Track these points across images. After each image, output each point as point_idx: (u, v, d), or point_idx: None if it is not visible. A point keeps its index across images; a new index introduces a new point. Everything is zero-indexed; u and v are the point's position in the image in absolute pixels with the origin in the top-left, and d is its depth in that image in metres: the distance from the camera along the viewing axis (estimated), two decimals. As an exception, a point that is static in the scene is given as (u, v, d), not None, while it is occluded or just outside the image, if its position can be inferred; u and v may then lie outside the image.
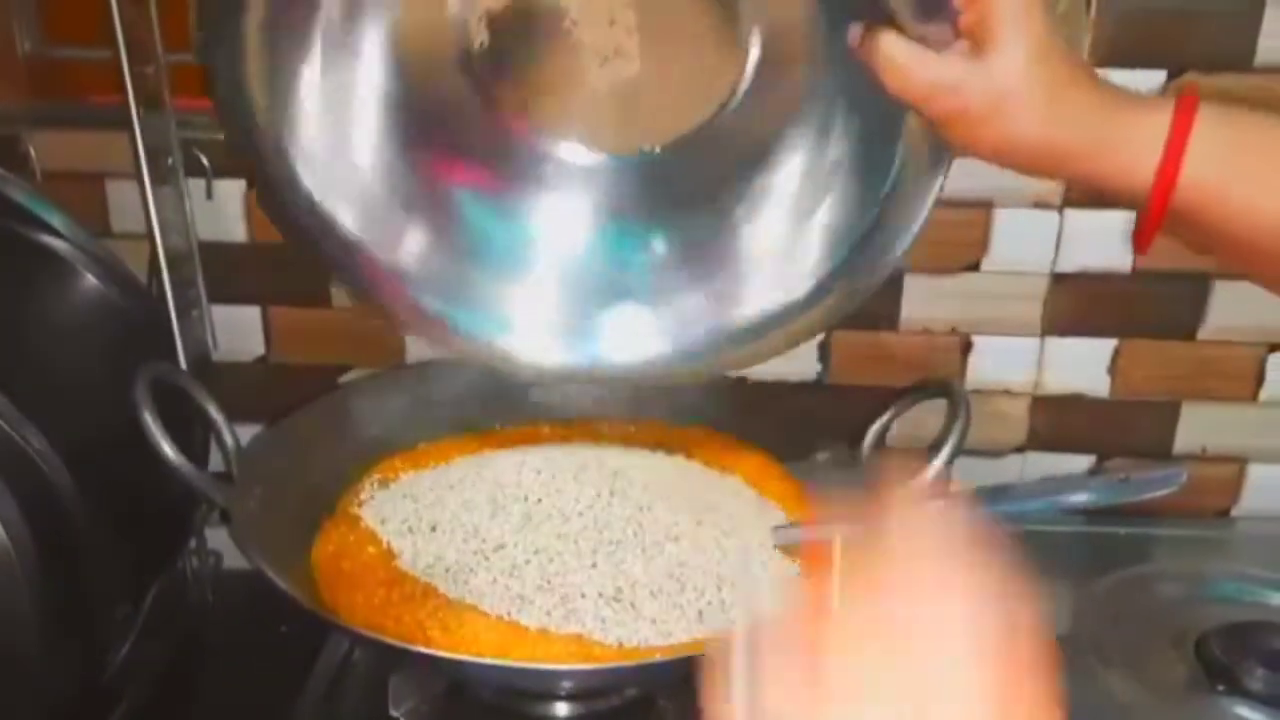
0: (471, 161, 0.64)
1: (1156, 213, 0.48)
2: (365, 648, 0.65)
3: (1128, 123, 0.49)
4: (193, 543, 0.82)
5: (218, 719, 0.74)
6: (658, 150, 0.62)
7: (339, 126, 0.61)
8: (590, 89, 0.60)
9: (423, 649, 0.53)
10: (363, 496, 0.70)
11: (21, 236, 0.67)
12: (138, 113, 0.67)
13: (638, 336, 0.67)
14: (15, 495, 0.51)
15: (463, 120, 0.61)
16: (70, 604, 0.54)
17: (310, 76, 0.60)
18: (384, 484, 0.71)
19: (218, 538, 0.85)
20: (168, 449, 0.58)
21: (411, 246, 0.64)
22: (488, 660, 0.54)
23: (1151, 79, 0.76)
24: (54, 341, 0.67)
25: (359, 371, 0.85)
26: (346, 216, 0.62)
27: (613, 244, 0.66)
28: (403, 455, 0.74)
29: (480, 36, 0.58)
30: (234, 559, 0.87)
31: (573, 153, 0.63)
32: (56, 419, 0.59)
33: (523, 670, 0.55)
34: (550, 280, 0.67)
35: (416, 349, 0.84)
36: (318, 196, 0.61)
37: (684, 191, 0.65)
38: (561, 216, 0.66)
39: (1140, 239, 0.50)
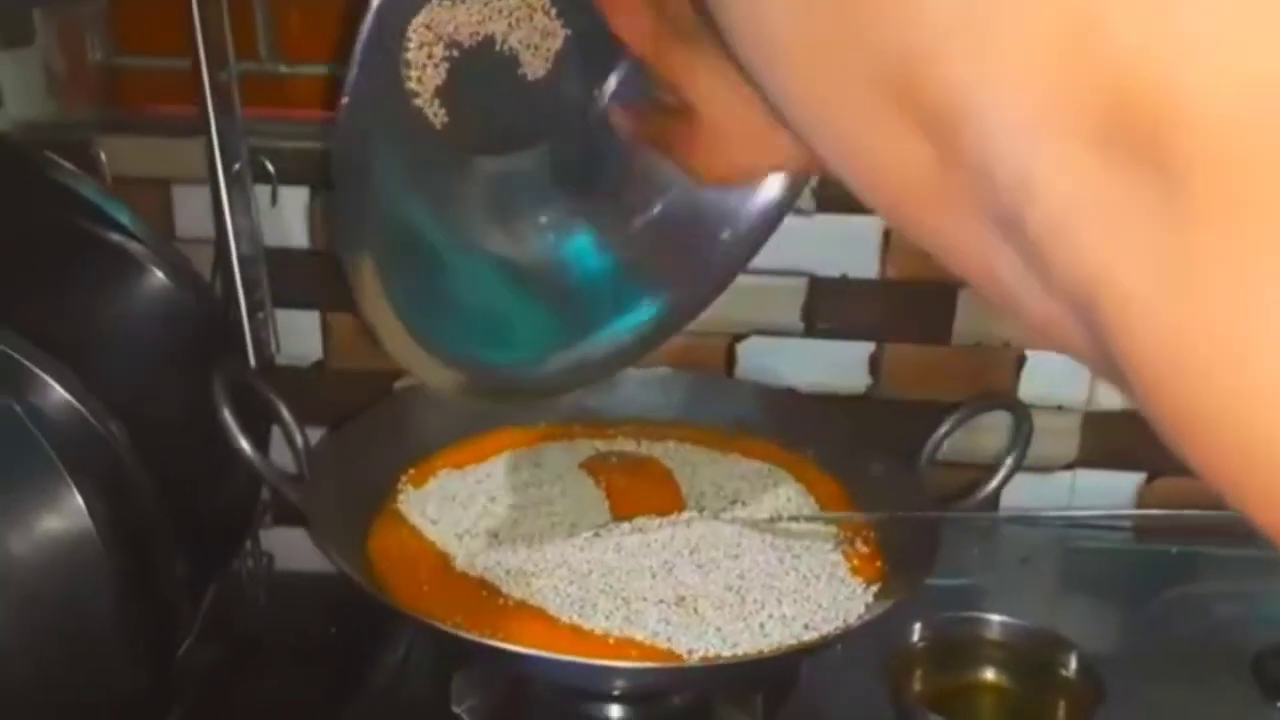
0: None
1: None
2: (437, 642, 0.65)
3: None
4: (247, 544, 0.83)
5: (275, 716, 0.75)
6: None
7: None
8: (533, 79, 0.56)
9: (500, 643, 0.54)
10: (420, 498, 0.71)
11: (93, 234, 0.68)
12: (217, 120, 0.68)
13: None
14: (101, 488, 0.52)
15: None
16: (145, 599, 0.55)
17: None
18: (441, 486, 0.72)
19: (270, 539, 0.87)
20: (245, 445, 0.59)
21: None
22: (564, 657, 0.54)
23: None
24: (125, 338, 0.68)
25: (413, 378, 0.86)
26: None
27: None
28: (459, 457, 0.75)
29: (439, 114, 0.55)
30: (285, 561, 0.88)
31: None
32: (131, 415, 0.60)
33: (600, 668, 0.56)
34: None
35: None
36: None
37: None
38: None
39: None
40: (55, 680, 0.53)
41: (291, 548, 0.88)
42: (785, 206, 0.58)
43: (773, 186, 0.58)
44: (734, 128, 0.47)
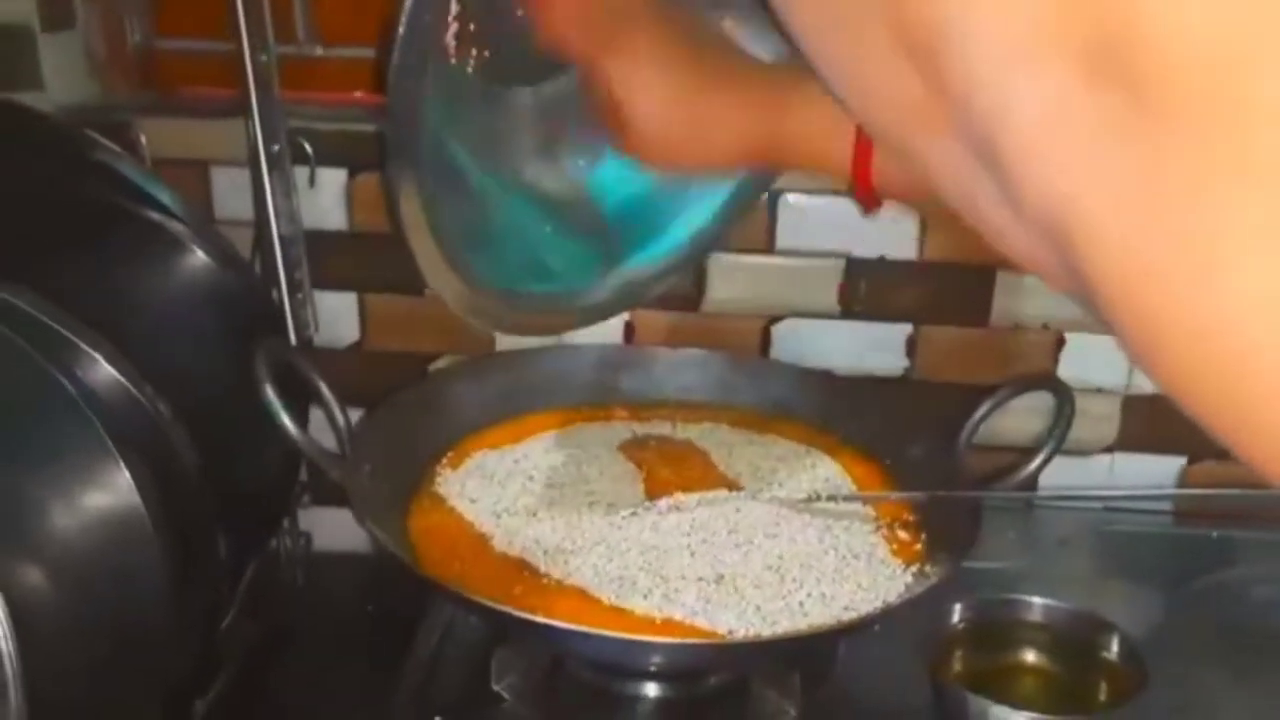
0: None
1: (864, 187, 0.48)
2: (479, 619, 0.66)
3: (796, 117, 0.49)
4: (285, 523, 0.84)
5: (312, 695, 0.75)
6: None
7: None
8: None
9: (542, 618, 0.54)
10: (458, 478, 0.71)
11: (135, 214, 0.68)
12: (259, 102, 0.69)
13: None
14: (149, 465, 0.52)
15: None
16: (191, 575, 0.56)
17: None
18: (479, 466, 0.72)
19: (307, 519, 0.87)
20: (288, 423, 0.59)
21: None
22: (604, 632, 0.54)
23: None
24: (167, 317, 0.68)
25: (449, 359, 0.86)
26: None
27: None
28: (496, 438, 0.75)
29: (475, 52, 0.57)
30: (323, 541, 0.88)
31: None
32: (174, 392, 0.60)
33: (640, 644, 0.56)
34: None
35: (506, 337, 0.85)
36: None
37: None
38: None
39: (861, 197, 0.50)
40: (103, 655, 0.54)
41: (328, 528, 0.88)
42: None
43: None
44: (662, 127, 0.50)
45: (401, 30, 0.45)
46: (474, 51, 0.55)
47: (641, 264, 0.68)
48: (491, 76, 0.56)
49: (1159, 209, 0.18)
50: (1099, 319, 0.21)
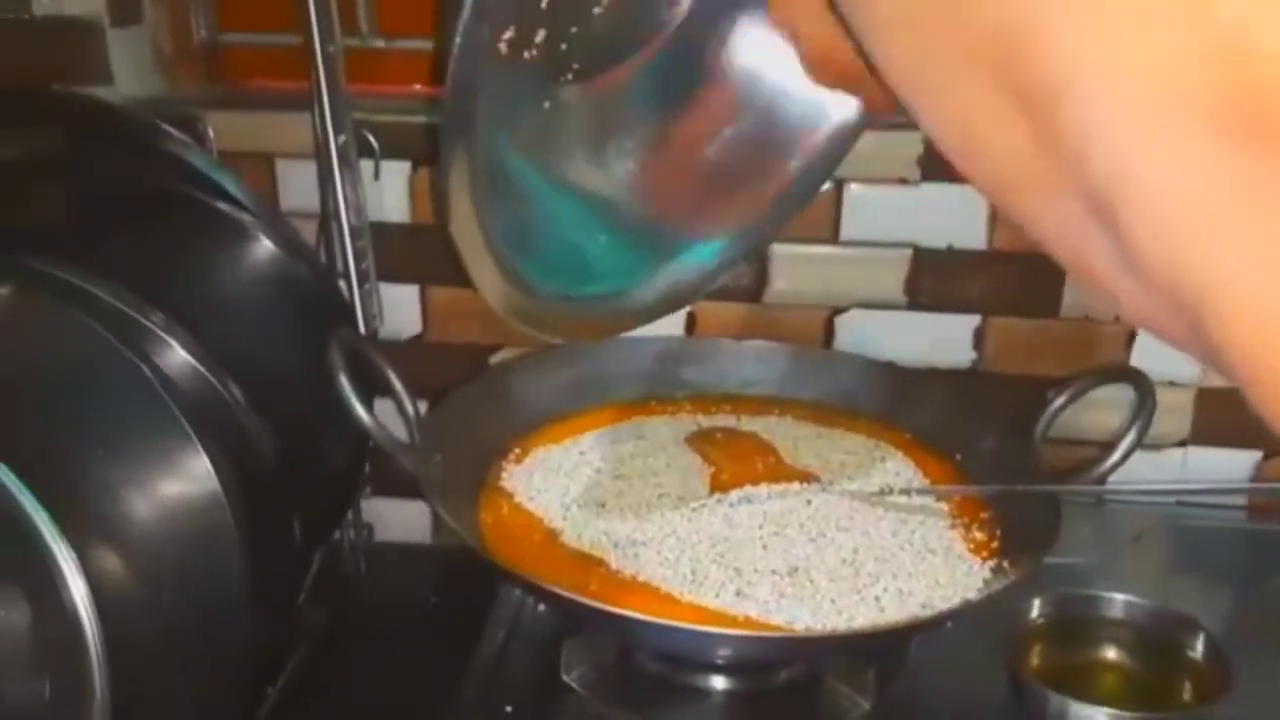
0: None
1: None
2: (551, 609, 0.65)
3: None
4: (349, 514, 0.84)
5: (378, 684, 0.76)
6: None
7: None
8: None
9: (617, 609, 0.53)
10: (523, 472, 0.71)
11: (205, 204, 0.69)
12: (328, 94, 0.69)
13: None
14: (225, 450, 0.52)
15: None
16: (266, 560, 0.56)
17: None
18: (545, 459, 0.72)
19: (369, 510, 0.88)
20: (361, 412, 0.59)
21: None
22: (678, 623, 0.53)
23: None
24: (236, 306, 0.69)
25: (509, 351, 0.86)
26: None
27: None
28: (560, 432, 0.75)
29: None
30: (385, 532, 0.89)
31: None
32: (246, 381, 0.61)
33: (714, 635, 0.55)
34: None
35: (568, 330, 0.85)
36: None
37: None
38: None
39: None
40: (182, 641, 0.54)
41: (389, 519, 0.89)
42: (857, 133, 0.59)
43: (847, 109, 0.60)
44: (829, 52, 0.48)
45: (466, 12, 0.44)
46: (534, 41, 0.55)
47: (688, 265, 0.67)
48: (545, 70, 0.56)
49: None
50: (1227, 379, 0.19)
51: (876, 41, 0.25)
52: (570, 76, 0.58)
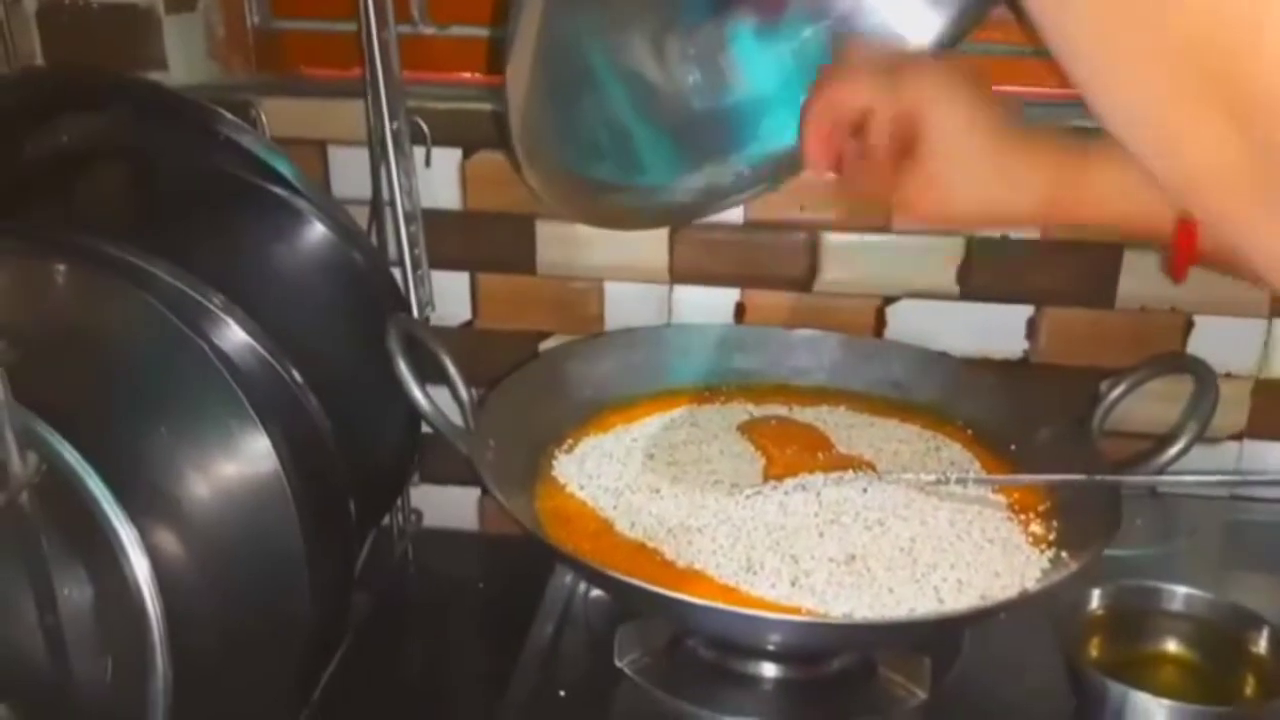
0: None
1: (1185, 248, 0.51)
2: (608, 594, 0.65)
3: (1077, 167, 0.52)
4: (398, 500, 0.84)
5: (428, 668, 0.76)
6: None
7: None
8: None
9: (675, 593, 0.53)
10: (575, 460, 0.70)
11: (259, 187, 0.69)
12: (383, 81, 0.69)
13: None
14: (285, 430, 0.52)
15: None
16: (325, 542, 0.56)
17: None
18: (597, 446, 0.72)
19: (416, 497, 0.88)
20: (419, 396, 0.59)
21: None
22: (735, 609, 0.53)
23: None
24: (292, 290, 0.69)
25: (558, 338, 0.86)
26: None
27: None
28: (611, 420, 0.74)
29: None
30: (433, 519, 0.89)
31: None
32: (302, 360, 0.61)
33: (772, 621, 0.55)
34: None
35: (615, 316, 0.85)
36: None
37: None
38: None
39: (1174, 271, 0.52)
40: (241, 620, 0.54)
41: (436, 506, 0.89)
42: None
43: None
44: (957, 172, 0.53)
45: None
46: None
47: (722, 169, 0.71)
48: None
49: None
50: None
51: (1074, 50, 0.25)
52: None
